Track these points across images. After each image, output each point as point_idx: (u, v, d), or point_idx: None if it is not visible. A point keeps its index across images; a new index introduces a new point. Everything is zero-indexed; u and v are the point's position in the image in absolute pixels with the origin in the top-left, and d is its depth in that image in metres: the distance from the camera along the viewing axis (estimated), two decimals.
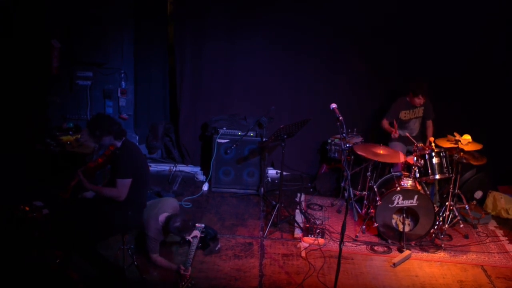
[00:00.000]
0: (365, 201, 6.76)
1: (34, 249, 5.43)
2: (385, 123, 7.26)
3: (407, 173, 6.40)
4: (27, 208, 6.03)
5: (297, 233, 6.44)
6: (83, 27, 7.49)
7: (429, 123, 7.35)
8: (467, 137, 6.42)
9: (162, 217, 5.45)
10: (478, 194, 7.51)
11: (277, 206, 6.52)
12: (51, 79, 7.57)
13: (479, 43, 7.60)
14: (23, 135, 7.01)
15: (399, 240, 6.20)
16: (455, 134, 6.48)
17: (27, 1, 7.04)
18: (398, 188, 6.12)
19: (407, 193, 6.10)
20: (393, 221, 6.26)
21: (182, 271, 5.15)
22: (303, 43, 7.81)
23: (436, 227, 6.31)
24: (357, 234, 6.40)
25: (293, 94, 8.05)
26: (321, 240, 6.17)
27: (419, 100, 7.01)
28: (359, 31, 7.70)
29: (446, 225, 6.51)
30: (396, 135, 7.08)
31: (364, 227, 6.48)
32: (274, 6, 7.63)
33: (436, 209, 6.27)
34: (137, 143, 7.88)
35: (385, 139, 7.21)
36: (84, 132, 7.19)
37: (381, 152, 6.58)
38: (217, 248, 5.88)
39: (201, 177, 7.98)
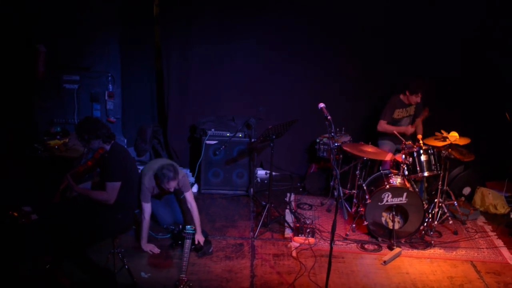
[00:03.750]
0: (354, 200, 6.79)
1: (24, 255, 5.41)
2: (384, 124, 7.17)
3: (396, 171, 6.44)
4: (16, 214, 6.01)
5: (288, 233, 6.45)
6: (69, 31, 7.46)
7: (418, 122, 7.31)
8: (454, 134, 6.46)
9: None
10: (467, 190, 7.56)
11: (267, 206, 6.52)
12: (37, 83, 7.54)
13: (469, 42, 7.65)
14: (10, 140, 6.97)
15: (389, 238, 6.23)
16: (442, 131, 6.52)
17: (11, 6, 7.00)
18: (387, 186, 6.15)
19: (396, 191, 6.12)
20: (383, 219, 6.28)
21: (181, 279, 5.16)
22: (290, 43, 7.82)
23: (425, 224, 6.35)
24: (347, 233, 6.42)
25: (281, 94, 8.05)
26: (311, 240, 6.19)
27: (417, 98, 6.99)
28: (347, 30, 7.73)
29: (436, 222, 6.55)
30: (412, 130, 7.04)
31: (354, 225, 6.51)
32: (262, 7, 7.64)
33: (425, 206, 6.31)
34: (125, 146, 7.85)
35: (373, 138, 7.25)
36: (72, 136, 7.16)
37: (370, 150, 6.62)
38: (210, 250, 5.88)
39: (191, 179, 7.96)
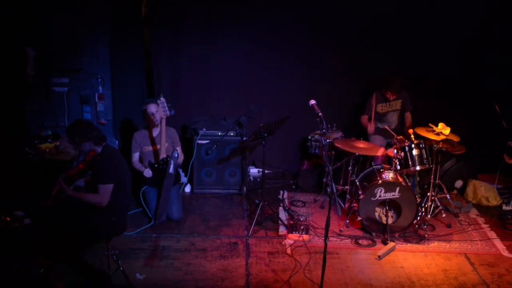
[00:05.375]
0: (347, 196, 6.80)
1: (17, 259, 5.39)
2: (364, 119, 7.38)
3: (388, 166, 6.45)
4: (8, 219, 5.98)
5: (282, 230, 6.46)
6: (58, 34, 7.41)
7: (407, 115, 7.43)
8: (443, 127, 6.47)
9: None
10: (459, 183, 7.60)
11: (261, 204, 6.53)
12: (26, 87, 7.49)
13: (455, 35, 7.72)
14: (0, 145, 6.93)
15: (383, 232, 6.25)
16: (430, 125, 6.52)
17: None
18: (380, 181, 6.16)
19: (389, 186, 6.14)
20: (376, 214, 6.30)
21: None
22: (280, 41, 7.84)
23: (418, 218, 6.36)
24: (341, 229, 6.43)
25: (272, 92, 8.07)
26: (305, 237, 6.19)
27: (389, 96, 7.16)
28: (336, 28, 7.76)
29: (429, 216, 6.57)
30: (372, 129, 7.16)
31: (347, 221, 6.51)
32: (250, 6, 7.63)
33: (418, 200, 6.32)
34: (117, 148, 7.82)
35: (365, 133, 7.29)
36: (63, 139, 7.13)
37: (361, 146, 6.64)
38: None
39: (183, 179, 7.94)
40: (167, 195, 6.43)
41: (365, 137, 7.18)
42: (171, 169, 6.37)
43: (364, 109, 7.39)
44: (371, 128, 7.25)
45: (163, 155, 6.47)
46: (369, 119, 7.28)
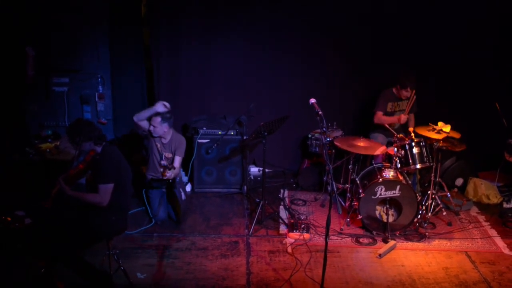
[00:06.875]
0: (348, 194, 6.80)
1: (18, 259, 5.39)
2: (381, 115, 7.20)
3: (388, 164, 6.45)
4: (9, 219, 5.98)
5: (282, 229, 6.45)
6: (58, 33, 7.43)
7: (411, 116, 7.37)
8: (443, 125, 6.47)
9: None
10: (459, 181, 7.60)
11: (261, 203, 6.52)
12: (26, 87, 7.49)
13: (455, 34, 7.72)
14: (0, 145, 6.94)
15: (384, 231, 6.25)
16: (430, 124, 6.52)
17: None
18: (380, 179, 6.16)
19: (389, 184, 6.14)
20: (377, 213, 6.29)
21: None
22: (279, 40, 7.82)
23: (419, 216, 6.36)
24: (342, 227, 6.43)
25: (272, 91, 8.05)
26: (306, 235, 6.19)
27: (407, 93, 7.01)
28: (336, 28, 7.76)
29: (429, 214, 6.57)
30: (405, 118, 6.99)
31: (348, 219, 6.52)
32: (250, 6, 7.63)
33: (419, 198, 6.33)
34: (116, 147, 7.80)
35: (365, 131, 7.27)
36: (63, 139, 7.13)
37: (361, 144, 6.63)
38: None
39: (184, 178, 7.95)
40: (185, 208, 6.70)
41: (365, 135, 7.14)
42: (183, 196, 6.57)
43: (377, 106, 7.21)
44: (403, 117, 7.02)
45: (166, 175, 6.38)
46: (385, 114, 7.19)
